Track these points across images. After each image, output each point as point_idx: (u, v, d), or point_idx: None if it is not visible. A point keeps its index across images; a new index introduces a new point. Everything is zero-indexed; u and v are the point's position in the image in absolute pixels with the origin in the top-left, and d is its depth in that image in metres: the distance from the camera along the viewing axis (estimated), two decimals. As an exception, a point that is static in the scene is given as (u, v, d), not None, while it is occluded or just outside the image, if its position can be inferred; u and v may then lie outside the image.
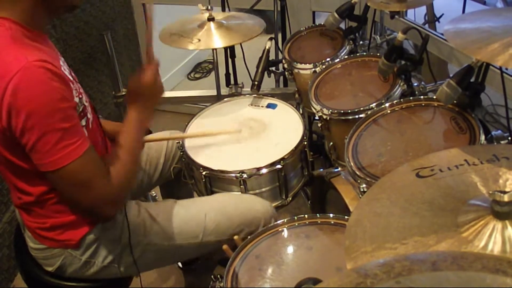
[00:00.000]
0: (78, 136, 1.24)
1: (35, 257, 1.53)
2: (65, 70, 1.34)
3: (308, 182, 1.89)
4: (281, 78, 2.64)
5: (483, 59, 1.26)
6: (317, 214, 1.38)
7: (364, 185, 1.34)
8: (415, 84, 1.75)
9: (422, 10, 3.35)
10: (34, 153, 1.22)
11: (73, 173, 1.24)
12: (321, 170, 1.90)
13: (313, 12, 3.02)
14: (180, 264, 2.38)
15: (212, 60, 3.47)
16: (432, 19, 3.32)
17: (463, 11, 3.01)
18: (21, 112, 1.16)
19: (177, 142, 1.91)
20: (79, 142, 1.24)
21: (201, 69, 4.37)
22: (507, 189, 0.96)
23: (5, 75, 1.16)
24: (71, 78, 1.35)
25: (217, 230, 1.60)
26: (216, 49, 2.37)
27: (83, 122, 1.36)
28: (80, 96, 1.36)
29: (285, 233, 1.37)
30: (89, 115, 1.42)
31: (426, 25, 3.32)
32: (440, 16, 3.29)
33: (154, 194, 2.33)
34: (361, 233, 0.95)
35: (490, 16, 1.31)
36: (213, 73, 2.66)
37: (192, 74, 4.32)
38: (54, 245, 1.47)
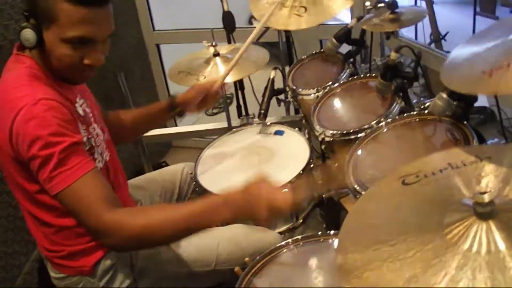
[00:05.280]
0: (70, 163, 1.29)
1: (57, 286, 1.59)
2: (80, 111, 1.45)
3: (319, 204, 1.93)
4: (291, 106, 2.70)
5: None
6: (319, 233, 1.42)
7: (363, 201, 1.37)
8: (415, 101, 1.79)
9: (428, 30, 3.40)
10: (40, 180, 1.31)
11: (69, 198, 1.29)
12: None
13: (320, 41, 3.08)
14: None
15: (229, 95, 3.57)
16: (437, 37, 3.38)
17: (473, 30, 3.08)
18: (24, 142, 1.27)
19: (190, 173, 1.99)
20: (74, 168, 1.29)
21: (219, 105, 4.32)
22: (488, 189, 0.99)
23: (14, 109, 1.28)
24: (85, 119, 1.46)
25: (230, 259, 1.64)
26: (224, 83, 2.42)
27: None
28: (89, 136, 1.45)
29: (291, 252, 1.41)
30: (97, 156, 1.50)
31: (432, 44, 3.38)
32: (445, 35, 3.37)
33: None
34: (351, 246, 0.99)
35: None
36: (230, 107, 2.75)
37: (210, 110, 4.34)
38: (71, 273, 1.54)
